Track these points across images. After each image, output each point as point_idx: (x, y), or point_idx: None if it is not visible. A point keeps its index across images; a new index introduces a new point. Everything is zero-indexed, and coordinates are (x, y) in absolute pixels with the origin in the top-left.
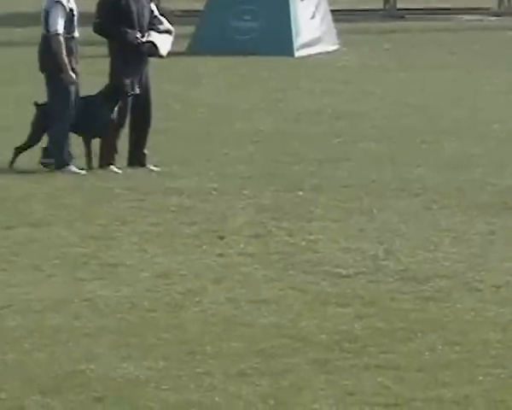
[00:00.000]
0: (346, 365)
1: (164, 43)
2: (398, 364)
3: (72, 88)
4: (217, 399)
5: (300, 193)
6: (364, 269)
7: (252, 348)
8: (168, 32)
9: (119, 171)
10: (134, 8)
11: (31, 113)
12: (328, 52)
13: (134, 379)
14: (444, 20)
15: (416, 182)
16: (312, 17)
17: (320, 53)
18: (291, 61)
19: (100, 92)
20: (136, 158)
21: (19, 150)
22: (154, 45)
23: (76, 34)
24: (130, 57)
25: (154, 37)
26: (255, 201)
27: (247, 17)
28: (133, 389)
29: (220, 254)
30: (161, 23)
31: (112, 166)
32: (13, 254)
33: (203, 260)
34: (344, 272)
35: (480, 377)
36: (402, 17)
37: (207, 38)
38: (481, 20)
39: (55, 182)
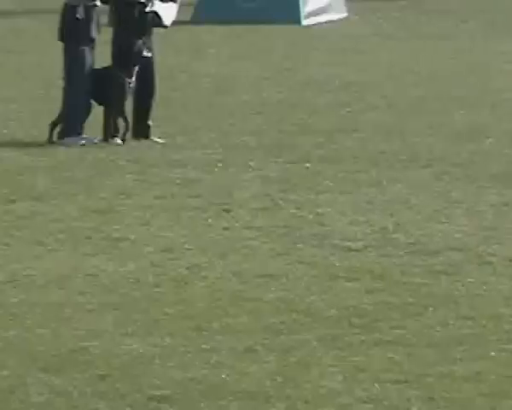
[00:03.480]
0: (355, 340)
1: (168, 13)
2: (409, 339)
3: (89, 58)
4: (223, 376)
5: (308, 165)
6: (374, 242)
7: (259, 324)
8: (173, 0)
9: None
10: None
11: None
12: (336, 20)
13: (139, 356)
14: None
15: (426, 153)
16: None
17: (328, 21)
18: (298, 29)
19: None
20: (140, 130)
21: (54, 124)
22: (158, 15)
23: (98, 3)
24: (134, 27)
25: (157, 6)
26: (262, 173)
27: None
28: (138, 366)
29: (226, 228)
30: None
31: (116, 138)
32: (15, 229)
33: (209, 234)
34: (353, 245)
35: (493, 353)
36: None
37: (212, 7)
38: None
39: (57, 155)
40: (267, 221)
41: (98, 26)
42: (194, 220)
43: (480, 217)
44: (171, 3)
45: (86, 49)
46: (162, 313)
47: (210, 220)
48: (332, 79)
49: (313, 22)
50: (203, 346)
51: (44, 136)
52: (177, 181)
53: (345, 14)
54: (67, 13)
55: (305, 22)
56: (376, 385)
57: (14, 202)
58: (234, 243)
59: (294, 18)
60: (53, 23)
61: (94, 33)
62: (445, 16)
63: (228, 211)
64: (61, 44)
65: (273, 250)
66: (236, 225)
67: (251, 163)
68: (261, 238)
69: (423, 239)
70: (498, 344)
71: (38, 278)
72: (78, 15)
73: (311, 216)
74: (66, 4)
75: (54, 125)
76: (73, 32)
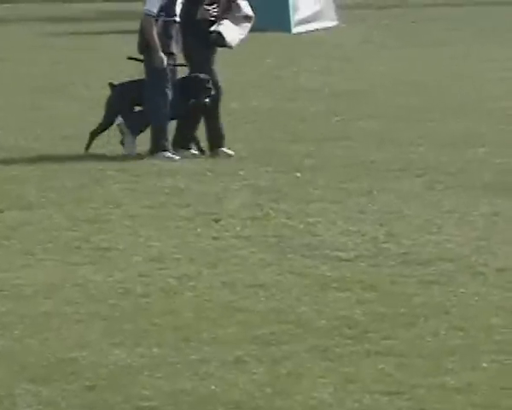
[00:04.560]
0: (346, 351)
1: (235, 33)
2: (400, 350)
3: (167, 72)
4: (212, 387)
5: (298, 174)
6: (365, 252)
7: (249, 335)
8: (247, 18)
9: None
10: None
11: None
12: (326, 28)
13: (127, 367)
14: None
15: (417, 162)
16: None
17: (318, 29)
18: (288, 37)
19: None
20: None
21: (94, 134)
22: (221, 35)
23: (177, 19)
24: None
25: (223, 26)
26: (252, 182)
27: None
28: (126, 376)
29: (216, 238)
30: (239, 9)
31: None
32: (4, 238)
33: (198, 244)
34: (344, 255)
35: (484, 364)
36: None
37: None
38: None
39: (45, 164)
40: (257, 231)
41: (179, 40)
42: (183, 230)
43: (471, 227)
44: (243, 24)
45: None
46: (150, 324)
47: (199, 230)
48: (322, 88)
49: (303, 30)
50: (192, 357)
51: (32, 144)
52: (166, 190)
53: (335, 23)
54: (152, 25)
55: (294, 30)
56: (367, 396)
57: (2, 211)
58: (223, 253)
59: (284, 26)
60: (43, 31)
61: (173, 48)
62: (435, 24)
63: (217, 220)
64: (52, 53)
65: (263, 260)
66: (226, 234)
67: (241, 172)
68: (251, 248)
69: (415, 249)
70: (490, 355)
71: (27, 287)
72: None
73: (301, 226)
74: (147, 16)
75: (94, 134)
76: (147, 45)
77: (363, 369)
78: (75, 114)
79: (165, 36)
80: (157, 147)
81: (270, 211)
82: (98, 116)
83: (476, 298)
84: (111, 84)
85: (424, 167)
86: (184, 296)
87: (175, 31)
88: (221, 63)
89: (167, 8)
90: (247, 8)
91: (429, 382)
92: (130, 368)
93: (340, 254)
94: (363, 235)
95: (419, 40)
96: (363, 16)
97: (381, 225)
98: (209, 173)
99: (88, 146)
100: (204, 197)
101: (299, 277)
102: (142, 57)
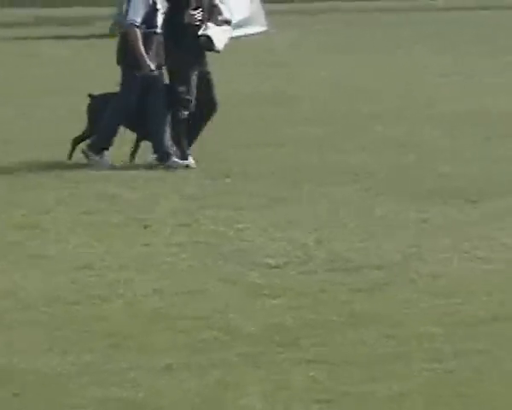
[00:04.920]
0: (276, 359)
1: (221, 37)
2: (331, 358)
3: (138, 87)
4: (141, 395)
5: (228, 180)
6: (295, 259)
7: (178, 342)
8: (227, 22)
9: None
10: None
11: None
12: (257, 34)
13: (56, 374)
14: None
15: (351, 167)
16: None
17: (248, 35)
18: None
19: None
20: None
21: (76, 141)
22: (210, 39)
23: (158, 30)
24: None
25: (211, 30)
26: (181, 188)
27: None
28: (55, 384)
29: (146, 244)
30: (221, 13)
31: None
32: None
33: (129, 251)
34: (273, 262)
35: (416, 372)
36: None
37: None
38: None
39: None
40: (187, 237)
41: (160, 53)
42: (113, 236)
43: (402, 234)
44: (225, 27)
45: (141, 76)
46: (81, 331)
47: (129, 236)
48: (256, 93)
49: (234, 35)
50: (121, 364)
51: None
52: (98, 197)
53: (265, 28)
54: (124, 38)
55: None
56: (298, 404)
57: None
58: (153, 260)
59: None
60: (24, 38)
61: (153, 60)
62: (367, 29)
63: (147, 227)
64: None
65: (193, 267)
66: (156, 241)
67: (170, 179)
68: (181, 255)
69: (345, 256)
70: (421, 363)
71: None
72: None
73: (231, 232)
74: (131, 26)
75: (75, 142)
76: (129, 58)
77: (294, 376)
78: (10, 118)
79: (146, 47)
80: (95, 146)
81: (200, 217)
82: (34, 121)
83: (407, 305)
84: (90, 95)
85: (357, 173)
86: (114, 303)
87: (155, 43)
88: None
89: (148, 20)
90: (226, 12)
91: (360, 390)
92: (59, 375)
93: (270, 260)
94: (292, 241)
95: (350, 45)
96: (293, 22)
97: (311, 231)
98: (140, 180)
99: (70, 155)
100: (134, 204)
101: (229, 283)
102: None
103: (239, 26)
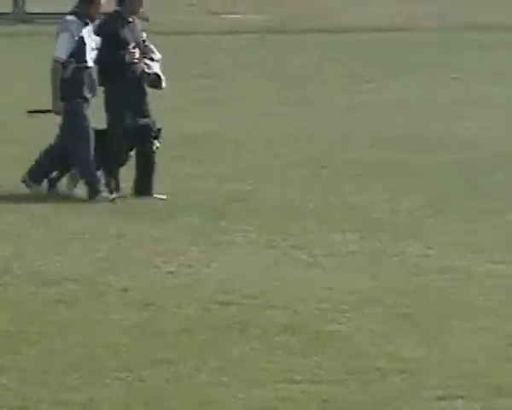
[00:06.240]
0: None
1: (162, 74)
2: (25, 366)
3: (86, 117)
4: None
5: None
6: None
7: None
8: (158, 61)
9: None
10: (130, 37)
11: None
12: None
13: None
14: None
15: None
16: None
17: None
18: None
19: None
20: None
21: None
22: (159, 77)
23: (89, 64)
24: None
25: (156, 68)
26: None
27: None
28: None
29: None
30: (153, 52)
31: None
32: None
33: None
34: None
35: (108, 381)
36: (32, 21)
37: None
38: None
39: None
40: None
41: (92, 85)
42: None
43: (96, 248)
44: (159, 64)
45: (81, 106)
46: None
47: None
48: None
49: None
50: None
51: None
52: None
53: None
54: (57, 71)
55: None
56: None
57: None
58: None
59: None
60: None
61: (86, 93)
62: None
63: None
64: None
65: None
66: None
67: None
68: None
69: (42, 269)
70: (113, 372)
71: None
72: (64, 75)
73: None
74: (55, 62)
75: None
76: (64, 91)
77: None
78: None
79: (78, 81)
80: (93, 191)
81: None
82: None
83: (100, 316)
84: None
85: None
86: None
87: (87, 76)
88: None
89: (76, 55)
90: (157, 52)
91: (54, 397)
92: None
93: None
94: None
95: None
96: None
97: (9, 245)
98: None
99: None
100: None
101: None
102: (43, 109)
103: None
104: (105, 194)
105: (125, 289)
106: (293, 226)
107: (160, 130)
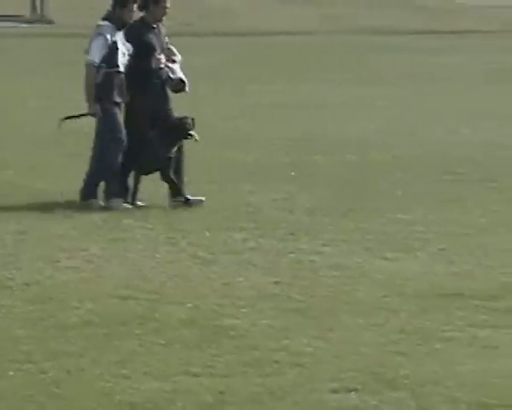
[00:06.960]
0: None
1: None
2: None
3: (119, 121)
4: None
5: None
6: None
7: None
8: (178, 62)
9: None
10: (156, 43)
11: None
12: None
13: None
14: None
15: None
16: None
17: None
18: None
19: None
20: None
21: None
22: (183, 81)
23: (120, 69)
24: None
25: (179, 72)
26: None
27: None
28: None
29: None
30: (174, 54)
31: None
32: None
33: None
34: None
35: (11, 373)
36: None
37: None
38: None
39: None
40: None
41: (122, 91)
42: None
43: (0, 244)
44: (176, 64)
45: (113, 110)
46: None
47: None
48: None
49: None
50: None
51: None
52: None
53: None
54: (92, 75)
55: None
56: None
57: None
58: None
59: None
60: None
61: (117, 98)
62: None
63: None
64: None
65: None
66: None
67: None
68: None
69: None
70: (15, 364)
71: None
72: (96, 80)
73: None
74: (89, 66)
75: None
76: (95, 95)
77: None
78: None
79: (108, 86)
80: (111, 193)
81: None
82: None
83: (3, 310)
84: None
85: None
86: None
87: (118, 80)
88: None
89: (108, 59)
90: (177, 53)
91: None
92: None
93: None
94: None
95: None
96: None
97: None
98: None
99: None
100: None
101: None
102: (76, 114)
103: None
104: (119, 201)
105: (28, 284)
106: (191, 225)
107: (193, 119)
